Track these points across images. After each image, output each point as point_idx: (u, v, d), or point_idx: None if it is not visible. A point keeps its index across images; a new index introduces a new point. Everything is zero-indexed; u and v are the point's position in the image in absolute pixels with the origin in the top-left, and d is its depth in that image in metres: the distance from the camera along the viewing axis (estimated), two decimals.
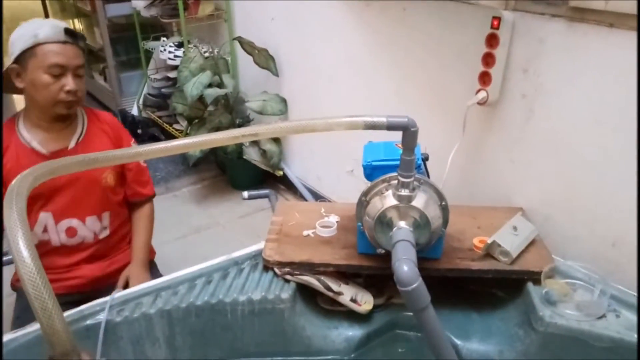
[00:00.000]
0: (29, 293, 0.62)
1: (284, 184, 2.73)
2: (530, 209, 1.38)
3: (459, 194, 1.59)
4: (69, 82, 1.27)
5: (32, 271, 0.63)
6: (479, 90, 1.40)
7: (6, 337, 0.96)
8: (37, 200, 1.35)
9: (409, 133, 0.98)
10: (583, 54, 1.19)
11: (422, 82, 1.69)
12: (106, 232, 1.47)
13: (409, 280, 0.92)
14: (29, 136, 1.34)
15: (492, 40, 1.33)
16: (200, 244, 2.36)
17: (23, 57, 1.26)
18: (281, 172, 2.63)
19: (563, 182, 1.31)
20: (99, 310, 1.04)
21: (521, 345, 1.08)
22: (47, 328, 0.63)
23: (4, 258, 2.14)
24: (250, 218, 2.56)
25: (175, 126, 3.08)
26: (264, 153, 2.55)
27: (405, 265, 0.93)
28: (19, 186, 0.72)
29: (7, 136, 1.34)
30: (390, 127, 0.97)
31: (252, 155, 2.57)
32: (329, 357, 1.14)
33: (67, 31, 1.28)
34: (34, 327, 0.99)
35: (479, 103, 1.41)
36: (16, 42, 1.26)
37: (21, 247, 0.64)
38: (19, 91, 1.32)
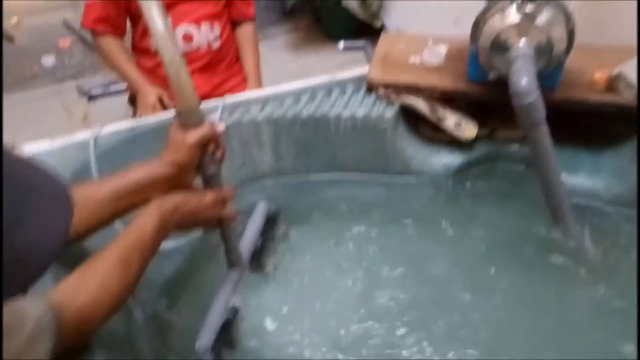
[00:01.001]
0: (159, 50, 0.66)
1: None
2: None
3: (583, 30, 1.43)
4: None
5: (163, 32, 0.66)
6: None
7: (132, 123, 1.05)
8: None
9: None
10: None
11: None
12: (217, 44, 1.55)
13: (527, 92, 0.88)
14: None
15: None
16: None
17: None
18: (379, 24, 2.51)
19: None
20: (211, 111, 1.10)
21: (633, 179, 1.03)
22: (176, 81, 0.66)
23: (112, 88, 2.27)
24: (345, 68, 2.52)
25: None
26: (363, 0, 2.43)
27: (524, 77, 0.88)
28: None
29: None
30: None
31: (350, 1, 2.46)
32: (426, 178, 1.16)
33: None
34: (159, 117, 1.07)
35: None
36: None
37: (154, 12, 0.66)
38: None
